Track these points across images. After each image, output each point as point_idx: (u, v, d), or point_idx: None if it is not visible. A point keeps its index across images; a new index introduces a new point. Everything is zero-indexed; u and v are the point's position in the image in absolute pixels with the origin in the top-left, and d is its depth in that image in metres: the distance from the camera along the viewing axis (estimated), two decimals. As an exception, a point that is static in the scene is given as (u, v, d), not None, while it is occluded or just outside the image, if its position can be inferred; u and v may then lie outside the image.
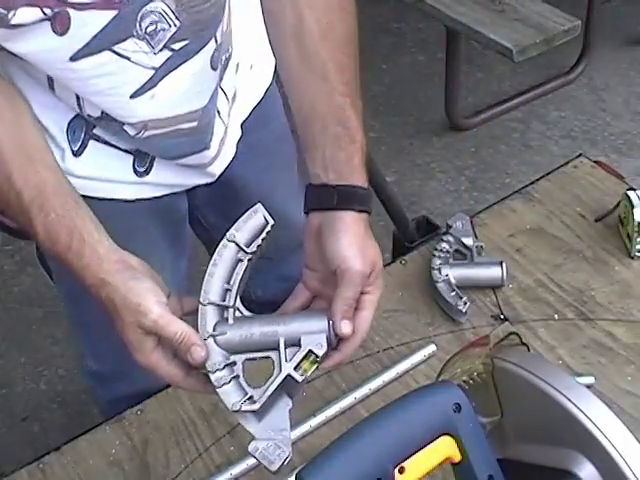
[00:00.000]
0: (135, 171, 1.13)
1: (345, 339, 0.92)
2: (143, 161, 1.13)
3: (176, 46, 0.97)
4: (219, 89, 1.11)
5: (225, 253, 0.91)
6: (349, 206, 0.94)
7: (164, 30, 0.94)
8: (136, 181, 1.14)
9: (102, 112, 1.02)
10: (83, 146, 1.08)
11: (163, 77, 0.99)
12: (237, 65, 1.17)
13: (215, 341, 0.89)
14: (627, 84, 3.22)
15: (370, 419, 0.78)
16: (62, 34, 0.88)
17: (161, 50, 0.96)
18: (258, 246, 0.91)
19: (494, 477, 0.80)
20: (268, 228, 0.91)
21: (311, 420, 1.15)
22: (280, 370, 0.87)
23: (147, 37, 0.94)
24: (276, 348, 0.89)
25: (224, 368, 0.89)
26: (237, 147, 1.23)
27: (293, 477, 0.79)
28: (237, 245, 0.91)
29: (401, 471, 0.76)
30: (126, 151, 1.11)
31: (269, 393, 0.86)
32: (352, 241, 0.92)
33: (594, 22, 3.09)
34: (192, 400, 1.21)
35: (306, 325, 0.90)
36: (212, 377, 0.88)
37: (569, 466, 0.84)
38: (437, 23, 2.90)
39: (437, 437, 0.78)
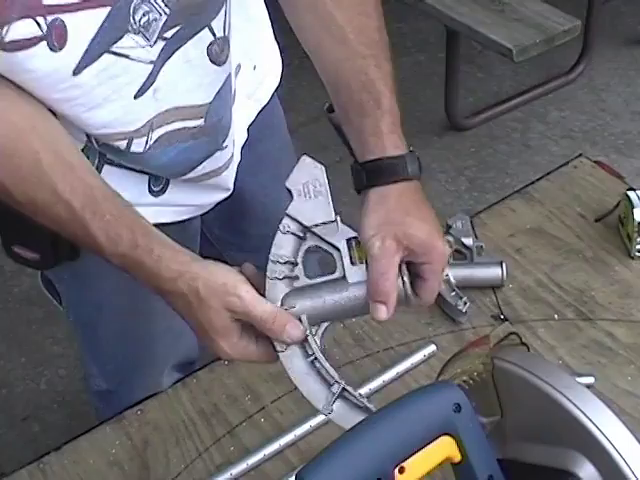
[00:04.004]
0: (151, 191, 1.11)
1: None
2: (158, 180, 1.11)
3: (168, 34, 0.95)
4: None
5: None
6: (376, 182, 0.93)
7: (156, 20, 0.93)
8: (154, 202, 1.12)
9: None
10: (98, 170, 1.05)
11: (161, 68, 0.97)
12: (238, 65, 1.17)
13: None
14: (627, 84, 3.22)
15: (370, 419, 0.78)
16: (60, 48, 0.86)
17: (156, 42, 0.94)
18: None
19: (494, 477, 0.80)
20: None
21: (311, 420, 1.15)
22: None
23: (142, 30, 0.92)
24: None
25: (285, 264, 0.90)
26: (242, 153, 1.22)
27: (293, 477, 0.79)
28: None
29: (401, 471, 0.76)
30: (141, 172, 1.09)
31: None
32: (372, 222, 0.92)
33: (594, 22, 3.09)
34: (192, 400, 1.21)
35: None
36: (268, 266, 0.89)
37: (569, 466, 0.84)
38: (437, 23, 2.90)
39: (437, 437, 0.78)
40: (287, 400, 1.19)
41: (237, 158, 1.21)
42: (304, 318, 0.89)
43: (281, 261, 0.90)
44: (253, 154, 1.24)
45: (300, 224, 0.90)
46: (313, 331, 0.89)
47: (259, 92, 1.27)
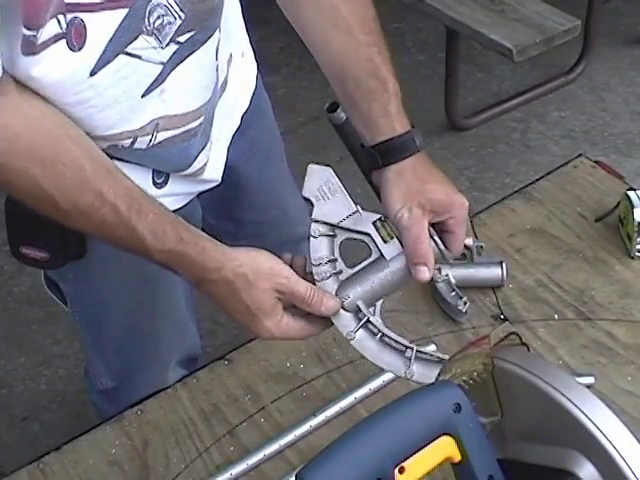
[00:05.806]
0: (154, 183, 1.12)
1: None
2: (161, 173, 1.12)
3: (182, 38, 0.96)
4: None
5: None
6: (391, 160, 1.00)
7: (170, 24, 0.94)
8: (157, 194, 1.12)
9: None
10: None
11: (171, 71, 0.98)
12: (230, 55, 1.17)
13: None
14: (627, 84, 3.22)
15: (370, 419, 0.78)
16: (80, 48, 0.87)
17: (168, 44, 0.95)
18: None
19: (494, 477, 0.80)
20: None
21: (311, 420, 1.15)
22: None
23: (155, 32, 0.93)
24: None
25: (327, 263, 0.97)
26: (233, 141, 1.23)
27: (293, 477, 0.79)
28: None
29: (401, 471, 0.76)
30: (145, 165, 1.10)
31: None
32: (395, 198, 0.99)
33: (594, 22, 3.09)
34: (192, 400, 1.21)
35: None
36: (313, 270, 0.97)
37: (569, 466, 0.84)
38: (437, 23, 2.90)
39: (437, 437, 0.78)
40: (287, 400, 1.19)
41: (226, 146, 1.22)
42: (361, 304, 0.97)
43: (323, 262, 0.97)
44: (245, 140, 1.26)
45: (328, 224, 0.98)
46: (372, 311, 0.98)
47: (249, 78, 1.29)
